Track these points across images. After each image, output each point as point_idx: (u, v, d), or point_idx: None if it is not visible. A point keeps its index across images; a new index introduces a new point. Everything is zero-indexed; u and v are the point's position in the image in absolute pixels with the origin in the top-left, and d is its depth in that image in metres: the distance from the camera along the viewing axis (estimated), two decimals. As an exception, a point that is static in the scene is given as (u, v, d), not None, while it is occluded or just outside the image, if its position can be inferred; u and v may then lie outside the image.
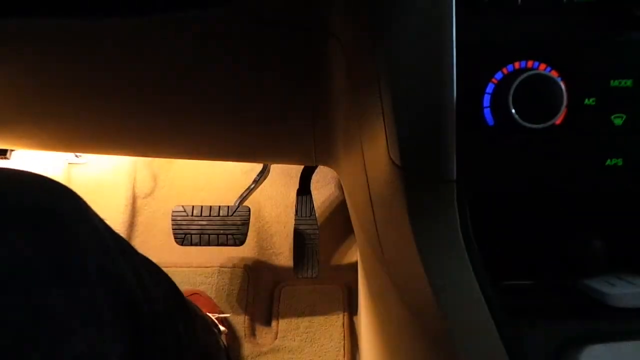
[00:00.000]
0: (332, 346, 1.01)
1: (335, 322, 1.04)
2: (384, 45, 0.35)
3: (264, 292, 1.09)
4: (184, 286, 1.07)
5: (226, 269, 1.10)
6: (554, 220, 0.40)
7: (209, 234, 0.99)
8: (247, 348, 1.02)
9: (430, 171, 0.34)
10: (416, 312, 0.37)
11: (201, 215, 1.00)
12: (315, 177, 1.15)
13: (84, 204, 0.37)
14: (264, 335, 1.05)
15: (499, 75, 0.33)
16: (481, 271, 0.33)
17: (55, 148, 0.78)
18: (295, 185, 1.09)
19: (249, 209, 1.01)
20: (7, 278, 0.30)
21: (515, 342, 0.32)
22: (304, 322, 1.04)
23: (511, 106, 0.32)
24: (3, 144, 0.81)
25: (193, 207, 1.01)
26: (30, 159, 1.13)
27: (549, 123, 0.32)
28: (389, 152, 0.36)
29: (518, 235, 0.39)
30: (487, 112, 0.33)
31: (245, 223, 1.00)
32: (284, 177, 1.19)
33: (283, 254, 1.13)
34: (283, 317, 1.05)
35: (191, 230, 0.99)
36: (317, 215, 1.05)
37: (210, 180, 1.20)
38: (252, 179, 1.05)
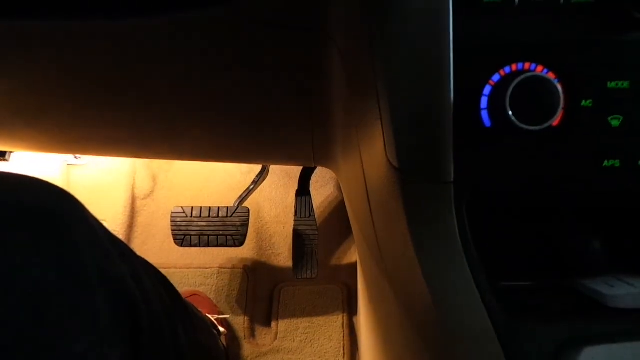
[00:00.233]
0: (331, 347, 1.01)
1: (335, 323, 1.04)
2: (381, 47, 0.35)
3: (263, 292, 1.09)
4: (183, 287, 1.07)
5: (225, 269, 1.10)
6: (553, 222, 0.40)
7: (208, 235, 0.99)
8: (246, 349, 1.02)
9: (428, 173, 0.34)
10: (414, 313, 0.37)
11: (200, 216, 1.00)
12: (315, 178, 1.16)
13: (82, 207, 0.38)
14: (264, 336, 1.05)
15: (496, 77, 0.33)
16: (479, 272, 0.33)
17: (54, 150, 0.78)
18: (294, 186, 1.09)
19: (248, 209, 1.01)
20: (7, 280, 0.31)
21: (514, 343, 0.32)
22: (303, 322, 1.04)
23: (508, 108, 0.32)
24: (1, 146, 0.81)
25: (192, 208, 1.01)
26: (29, 160, 1.13)
27: (546, 125, 0.32)
28: (386, 154, 0.36)
29: (517, 236, 0.39)
30: (484, 113, 0.33)
31: (245, 224, 1.00)
32: (283, 178, 1.19)
33: (282, 255, 1.13)
34: (282, 317, 1.05)
35: (190, 232, 0.99)
36: (316, 215, 1.05)
37: (210, 181, 1.20)
38: (252, 180, 1.05)
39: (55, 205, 0.35)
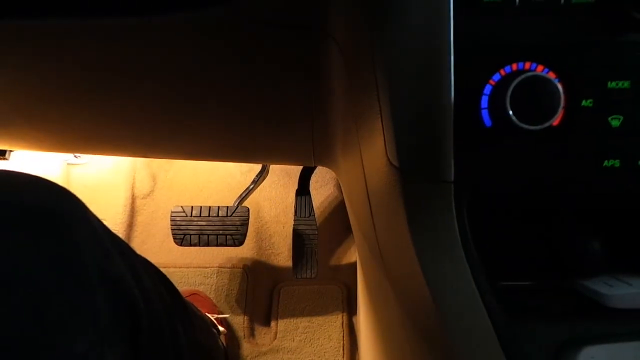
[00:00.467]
0: (331, 346, 1.01)
1: (335, 322, 1.04)
2: (381, 47, 0.35)
3: (263, 292, 1.09)
4: (183, 286, 1.07)
5: (225, 269, 1.10)
6: (552, 222, 0.40)
7: (208, 235, 0.99)
8: (246, 348, 1.02)
9: (428, 172, 0.34)
10: (414, 313, 0.37)
11: (200, 216, 1.00)
12: (314, 178, 1.16)
13: (82, 206, 0.38)
14: (263, 335, 1.05)
15: (496, 77, 0.33)
16: (479, 272, 0.33)
17: (54, 149, 0.78)
18: (294, 185, 1.09)
19: (248, 209, 1.01)
20: (8, 279, 0.31)
21: (513, 343, 0.32)
22: (303, 322, 1.04)
23: (508, 108, 0.32)
24: (1, 145, 0.81)
25: (192, 207, 1.01)
26: (29, 159, 1.13)
27: (547, 124, 0.32)
28: (386, 153, 0.36)
29: (517, 237, 0.39)
30: (484, 113, 0.33)
31: (245, 223, 1.00)
32: (283, 177, 1.19)
33: (282, 254, 1.13)
34: (282, 317, 1.05)
35: (190, 231, 0.99)
36: (316, 215, 1.05)
37: (210, 181, 1.20)
38: (251, 180, 1.05)
39: (56, 205, 0.35)
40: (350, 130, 0.47)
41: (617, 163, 0.34)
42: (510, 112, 0.32)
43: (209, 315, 0.90)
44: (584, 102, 0.33)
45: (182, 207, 1.01)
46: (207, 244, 0.99)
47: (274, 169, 1.18)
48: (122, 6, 0.45)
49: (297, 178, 1.07)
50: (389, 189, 0.37)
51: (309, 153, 0.66)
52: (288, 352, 1.01)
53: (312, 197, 1.07)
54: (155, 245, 1.14)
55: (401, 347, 0.43)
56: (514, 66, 0.33)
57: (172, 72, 0.55)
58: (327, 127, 0.58)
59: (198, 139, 0.69)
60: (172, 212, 1.00)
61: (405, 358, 0.42)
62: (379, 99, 0.36)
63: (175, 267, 1.10)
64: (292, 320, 1.04)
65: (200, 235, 0.99)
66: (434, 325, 0.33)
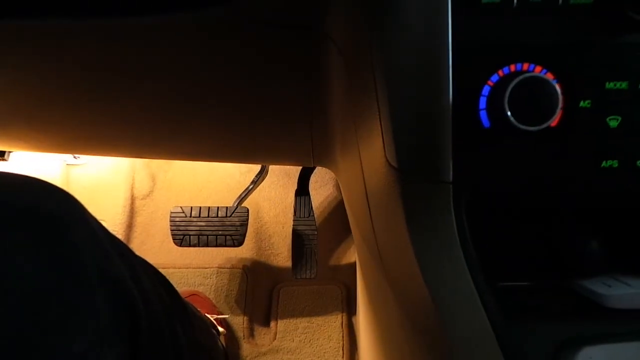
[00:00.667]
0: (330, 346, 1.01)
1: (334, 323, 1.04)
2: (380, 47, 0.35)
3: (262, 292, 1.09)
4: (182, 287, 1.07)
5: (225, 269, 1.10)
6: (551, 221, 0.40)
7: (207, 235, 0.99)
8: (245, 349, 1.02)
9: (427, 173, 0.34)
10: (413, 313, 0.37)
11: (199, 216, 1.00)
12: (314, 178, 1.16)
13: (81, 208, 0.38)
14: (263, 335, 1.05)
15: (494, 78, 0.33)
16: (478, 273, 0.33)
17: (52, 150, 0.78)
18: (293, 186, 1.09)
19: (248, 209, 1.01)
20: (7, 280, 0.31)
21: (512, 343, 0.32)
22: (302, 322, 1.04)
23: (507, 108, 0.32)
24: (1, 146, 0.81)
25: (191, 208, 1.01)
26: (28, 160, 1.13)
27: (545, 125, 0.32)
28: (385, 154, 0.36)
29: (516, 237, 0.40)
30: (483, 114, 0.33)
31: (244, 224, 1.00)
32: (282, 177, 1.19)
33: (282, 255, 1.13)
34: (282, 317, 1.05)
35: (189, 231, 0.99)
36: (315, 215, 1.05)
37: (209, 181, 1.20)
38: (251, 180, 1.05)
39: (55, 206, 0.35)
40: (349, 130, 0.47)
41: (615, 163, 0.34)
42: (509, 113, 0.32)
43: (208, 315, 0.90)
44: (582, 103, 0.33)
45: (181, 207, 1.01)
46: (207, 245, 0.99)
47: (273, 169, 1.18)
48: (122, 6, 0.45)
49: (297, 178, 1.08)
50: (387, 189, 0.37)
51: (308, 153, 0.66)
52: (288, 352, 1.01)
53: (311, 197, 1.07)
54: (154, 246, 1.14)
55: (400, 347, 0.43)
56: (512, 67, 0.33)
57: (172, 72, 0.55)
58: (326, 127, 0.58)
59: (197, 140, 0.69)
60: (171, 212, 1.00)
61: (405, 358, 0.42)
62: (377, 100, 0.36)
63: (174, 267, 1.10)
64: (291, 320, 1.05)
65: (200, 236, 0.99)
66: (432, 326, 0.33)
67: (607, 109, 0.33)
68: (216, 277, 1.09)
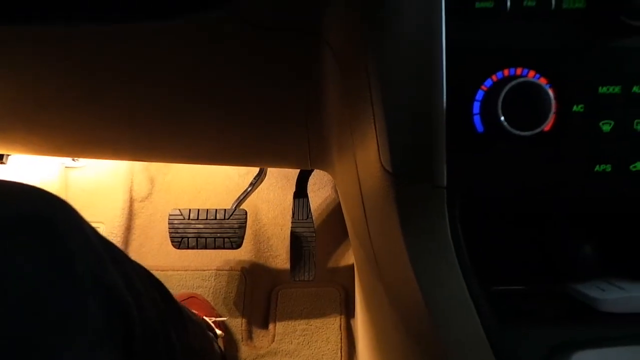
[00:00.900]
0: (329, 349, 1.01)
1: (332, 325, 1.04)
2: (375, 52, 0.35)
3: (261, 295, 1.09)
4: (180, 289, 1.07)
5: (223, 272, 1.10)
6: (546, 226, 0.40)
7: (205, 238, 0.99)
8: (244, 351, 1.02)
9: (421, 177, 0.34)
10: (407, 317, 0.37)
11: (198, 219, 1.00)
12: (312, 180, 1.16)
13: (76, 214, 0.38)
14: (261, 338, 1.05)
15: (488, 83, 0.33)
16: (471, 277, 0.33)
17: (51, 153, 0.78)
18: (292, 188, 1.09)
19: (246, 212, 1.01)
20: (7, 280, 0.31)
21: (505, 347, 0.32)
22: (301, 324, 1.04)
23: (500, 113, 0.32)
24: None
25: (190, 210, 1.01)
26: (27, 163, 1.13)
27: (538, 130, 0.32)
28: (380, 158, 0.36)
29: (510, 240, 0.40)
30: (476, 119, 0.34)
31: (242, 226, 1.00)
32: (281, 179, 1.19)
33: (280, 257, 1.13)
34: (280, 320, 1.05)
35: (188, 234, 0.99)
36: (313, 217, 1.05)
37: (208, 184, 1.20)
38: (249, 182, 1.05)
39: (50, 214, 0.35)
40: (345, 133, 0.47)
41: (608, 168, 0.34)
42: (502, 118, 0.32)
43: (206, 318, 0.90)
44: (575, 108, 0.33)
45: (179, 210, 1.01)
46: (205, 247, 0.99)
47: (272, 171, 1.18)
48: (122, 10, 0.45)
49: (295, 180, 1.08)
50: (382, 193, 0.37)
51: (305, 156, 0.67)
52: (286, 354, 1.01)
53: (309, 199, 1.07)
54: (153, 248, 1.14)
55: (396, 350, 0.43)
56: (506, 72, 0.33)
57: (170, 75, 0.55)
58: (322, 130, 0.58)
59: (195, 143, 0.69)
60: (169, 215, 1.00)
61: (400, 361, 0.43)
62: (372, 104, 0.36)
63: (173, 269, 1.10)
64: (290, 322, 1.05)
65: (198, 238, 0.99)
66: (426, 330, 0.34)
67: (600, 114, 0.33)
68: (214, 280, 1.09)
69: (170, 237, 0.99)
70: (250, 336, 1.04)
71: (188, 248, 0.99)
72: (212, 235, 0.99)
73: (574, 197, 0.35)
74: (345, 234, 1.13)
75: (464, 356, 0.32)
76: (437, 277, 0.34)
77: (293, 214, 1.05)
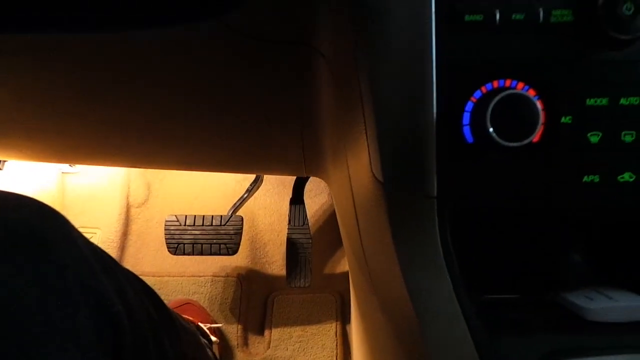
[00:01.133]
0: (324, 355, 1.01)
1: (328, 331, 1.04)
2: (365, 63, 0.35)
3: (257, 301, 1.09)
4: (176, 295, 1.07)
5: (219, 278, 1.10)
6: (535, 235, 0.40)
7: (201, 244, 0.99)
8: (240, 358, 1.02)
9: (412, 187, 0.35)
10: (397, 324, 0.37)
11: (194, 225, 1.00)
12: (309, 186, 1.16)
13: (66, 223, 0.38)
14: (257, 344, 1.05)
15: (478, 94, 0.34)
16: (461, 286, 0.33)
17: (48, 159, 0.78)
18: (288, 194, 1.09)
19: (242, 218, 1.02)
20: None
21: (494, 357, 0.32)
22: (296, 331, 1.04)
23: (489, 125, 0.32)
24: (-4, 155, 0.81)
25: (186, 216, 1.01)
26: (24, 169, 1.13)
27: (526, 141, 0.32)
28: (371, 167, 0.37)
29: (500, 249, 0.40)
30: (466, 130, 0.34)
31: (238, 232, 1.00)
32: (277, 186, 1.20)
33: (276, 263, 1.13)
34: (276, 326, 1.05)
35: (184, 240, 0.99)
36: (310, 224, 1.05)
37: (205, 190, 1.21)
38: (246, 188, 1.05)
39: (39, 224, 0.35)
40: (339, 142, 0.47)
41: (596, 178, 0.34)
42: (491, 130, 0.32)
43: (201, 325, 0.90)
44: (563, 119, 0.34)
45: (176, 216, 1.01)
46: (201, 253, 1.00)
47: (269, 177, 1.18)
48: (116, 19, 0.46)
49: (292, 187, 1.08)
50: (374, 202, 0.38)
51: (300, 164, 0.67)
52: (281, 361, 1.01)
53: (306, 205, 1.07)
54: (149, 254, 1.14)
55: (387, 357, 0.43)
56: (495, 83, 0.34)
57: (166, 84, 0.55)
58: (317, 138, 0.59)
59: (190, 150, 0.70)
60: (166, 221, 1.01)
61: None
62: (363, 114, 0.36)
63: (169, 275, 1.10)
64: (285, 329, 1.05)
65: (194, 245, 0.99)
66: (416, 339, 0.34)
67: (587, 125, 0.34)
68: (211, 286, 1.09)
69: (167, 243, 0.99)
70: (246, 342, 1.04)
71: (184, 254, 0.99)
72: (208, 241, 1.00)
73: (564, 207, 0.35)
74: (341, 241, 1.13)
75: (453, 366, 0.32)
76: (427, 286, 0.34)
77: (289, 220, 1.05)
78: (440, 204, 0.34)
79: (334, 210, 1.16)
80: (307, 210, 1.06)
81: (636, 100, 0.33)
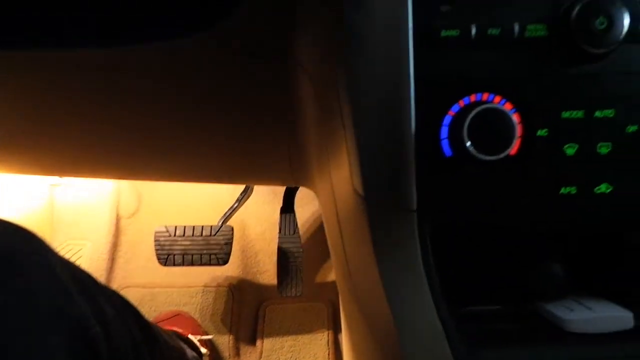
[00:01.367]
0: (316, 365, 1.01)
1: (320, 341, 1.04)
2: (345, 79, 0.36)
3: (248, 311, 1.09)
4: (167, 306, 1.07)
5: (210, 288, 1.09)
6: (514, 246, 0.40)
7: (192, 254, 0.99)
8: (231, 368, 1.01)
9: (391, 201, 0.35)
10: (378, 335, 0.37)
11: (184, 236, 1.00)
12: (299, 195, 1.16)
13: (41, 245, 0.37)
14: (249, 355, 1.04)
15: (455, 108, 0.34)
16: (440, 299, 0.34)
17: (36, 172, 0.78)
18: (279, 203, 1.09)
19: (232, 228, 1.02)
20: None
21: (474, 369, 0.32)
22: (288, 340, 1.04)
23: (466, 139, 0.33)
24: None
25: (176, 227, 1.01)
26: (12, 181, 1.13)
27: (503, 154, 0.33)
28: (352, 181, 0.37)
29: (479, 261, 0.40)
30: (444, 143, 0.34)
31: (229, 243, 1.00)
32: (268, 195, 1.20)
33: (268, 272, 1.13)
34: (268, 336, 1.05)
35: (174, 251, 0.99)
36: (300, 233, 1.05)
37: (195, 200, 1.21)
38: (236, 198, 1.05)
39: (11, 247, 0.35)
40: (322, 155, 0.48)
41: (573, 190, 0.35)
42: (468, 143, 0.33)
43: (192, 337, 0.89)
44: (539, 132, 0.34)
45: (166, 227, 1.01)
46: (192, 264, 0.99)
47: (259, 186, 1.18)
48: (103, 35, 0.46)
49: (282, 196, 1.08)
50: (355, 214, 0.38)
51: (287, 174, 0.67)
52: (273, 371, 1.01)
53: (296, 214, 1.07)
54: (140, 265, 1.14)
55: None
56: (472, 97, 0.34)
57: (153, 95, 0.56)
58: (303, 149, 0.59)
59: (178, 163, 0.70)
60: (155, 232, 1.00)
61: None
62: (344, 127, 0.37)
63: (160, 287, 1.09)
64: (277, 339, 1.04)
65: (185, 255, 0.99)
66: (395, 351, 0.34)
67: (563, 138, 0.34)
68: (202, 296, 1.09)
69: (157, 254, 0.99)
70: (237, 353, 1.04)
71: (174, 265, 0.99)
72: (199, 252, 0.99)
73: (541, 219, 0.35)
74: (332, 249, 1.13)
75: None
76: (406, 298, 0.34)
77: (280, 229, 1.05)
78: (420, 218, 0.35)
79: (325, 219, 1.16)
80: (297, 219, 1.06)
81: (611, 113, 0.34)
